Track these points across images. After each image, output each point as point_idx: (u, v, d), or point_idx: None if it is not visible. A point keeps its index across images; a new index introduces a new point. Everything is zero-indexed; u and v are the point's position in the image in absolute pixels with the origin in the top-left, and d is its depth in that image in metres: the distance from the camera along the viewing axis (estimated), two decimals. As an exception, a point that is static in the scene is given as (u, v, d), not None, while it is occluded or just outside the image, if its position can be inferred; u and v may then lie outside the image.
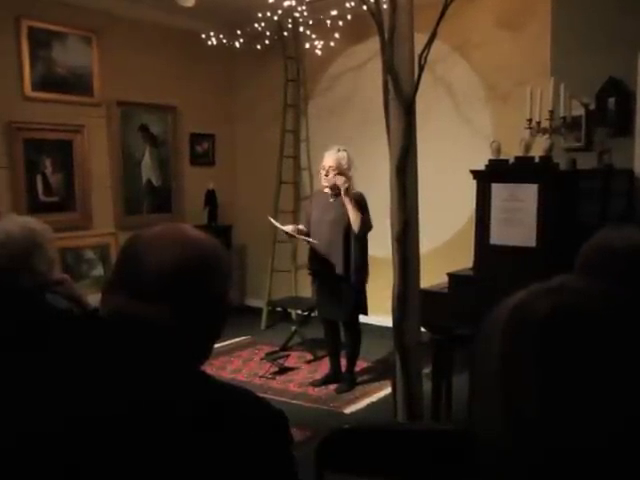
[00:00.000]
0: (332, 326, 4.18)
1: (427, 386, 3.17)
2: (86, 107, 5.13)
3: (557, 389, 0.63)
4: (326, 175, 3.96)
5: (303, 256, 5.90)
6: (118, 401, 0.87)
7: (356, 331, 4.11)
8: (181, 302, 0.95)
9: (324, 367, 4.62)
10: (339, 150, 4.00)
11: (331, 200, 4.01)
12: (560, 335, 0.64)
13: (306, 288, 6.07)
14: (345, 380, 4.17)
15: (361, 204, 3.95)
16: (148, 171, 5.72)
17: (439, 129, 5.13)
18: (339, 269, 3.91)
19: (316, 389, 4.18)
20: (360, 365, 4.37)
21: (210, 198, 5.98)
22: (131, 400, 0.87)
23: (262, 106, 6.25)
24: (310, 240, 3.99)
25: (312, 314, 5.30)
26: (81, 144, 5.14)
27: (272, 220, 4.27)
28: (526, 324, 0.66)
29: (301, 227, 4.13)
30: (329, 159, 3.97)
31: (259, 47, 5.51)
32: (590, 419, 0.60)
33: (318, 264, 4.00)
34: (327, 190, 4.07)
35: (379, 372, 4.45)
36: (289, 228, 4.12)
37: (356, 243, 3.92)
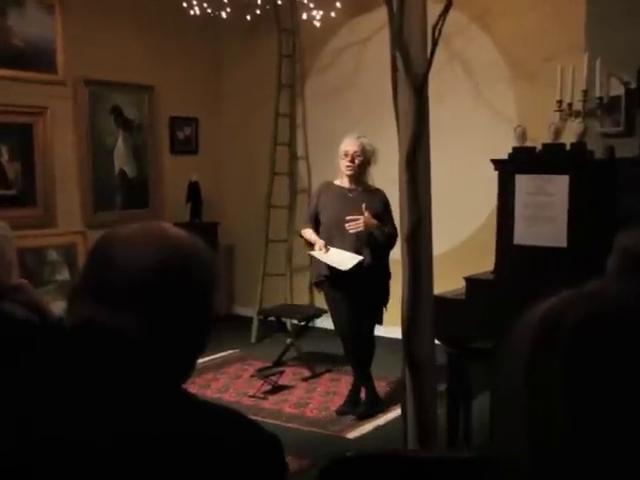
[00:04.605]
0: (354, 339, 4.09)
1: (442, 408, 3.18)
2: (48, 86, 5.13)
3: (589, 406, 0.63)
4: (351, 161, 3.92)
5: (299, 258, 5.93)
6: (87, 424, 0.87)
7: (371, 343, 4.09)
8: (160, 311, 0.95)
9: (323, 385, 4.62)
10: (359, 137, 3.98)
11: (350, 195, 3.97)
12: (594, 347, 0.64)
13: (303, 295, 6.08)
14: (370, 401, 4.13)
15: (387, 207, 3.94)
16: (121, 160, 5.72)
17: (455, 113, 5.13)
18: (367, 259, 3.83)
19: (314, 410, 4.19)
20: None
21: (193, 191, 5.98)
22: (102, 424, 0.87)
23: (252, 86, 6.25)
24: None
25: (310, 324, 5.31)
26: (43, 129, 5.13)
27: (316, 254, 3.91)
28: (555, 334, 0.66)
29: (321, 242, 3.93)
30: (352, 144, 3.92)
31: (249, 18, 5.51)
32: (624, 440, 0.61)
33: (336, 269, 3.86)
34: (338, 182, 4.03)
35: (387, 391, 4.45)
36: (319, 244, 3.90)
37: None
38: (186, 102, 6.18)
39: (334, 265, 3.84)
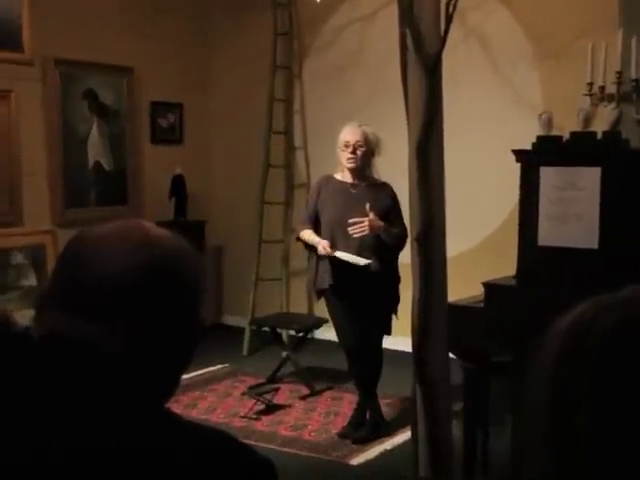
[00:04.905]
0: (359, 352, 4.09)
1: (458, 430, 3.17)
2: (13, 66, 5.12)
3: (619, 423, 0.64)
4: (353, 153, 3.90)
5: (296, 261, 5.92)
6: (54, 449, 0.87)
7: (379, 357, 4.09)
8: (140, 320, 0.95)
9: (324, 404, 4.61)
10: (360, 125, 3.97)
11: (353, 191, 3.95)
12: (626, 356, 0.65)
13: (300, 302, 6.08)
14: (373, 424, 4.12)
15: (396, 204, 3.93)
16: (96, 151, 5.72)
17: (472, 97, 5.13)
18: (375, 265, 3.84)
19: (313, 433, 4.19)
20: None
21: (177, 186, 5.98)
22: (71, 448, 0.87)
23: (244, 67, 6.25)
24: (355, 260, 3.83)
25: (309, 335, 5.30)
26: (7, 114, 5.13)
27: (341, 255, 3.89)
28: (585, 342, 0.68)
29: (325, 242, 3.93)
30: (353, 133, 3.91)
31: (240, -10, 5.53)
32: None
33: (340, 276, 3.89)
34: (339, 176, 4.01)
35: (394, 411, 4.45)
36: (323, 243, 3.89)
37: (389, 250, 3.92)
38: (169, 85, 6.18)
39: (350, 261, 3.83)
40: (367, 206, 3.80)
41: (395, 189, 3.97)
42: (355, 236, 3.81)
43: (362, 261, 3.83)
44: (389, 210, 3.92)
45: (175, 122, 6.33)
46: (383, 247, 3.88)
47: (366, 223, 3.78)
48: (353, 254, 3.87)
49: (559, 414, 0.68)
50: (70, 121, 5.52)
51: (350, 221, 3.80)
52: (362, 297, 3.91)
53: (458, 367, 3.32)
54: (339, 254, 3.88)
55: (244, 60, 6.25)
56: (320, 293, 4.13)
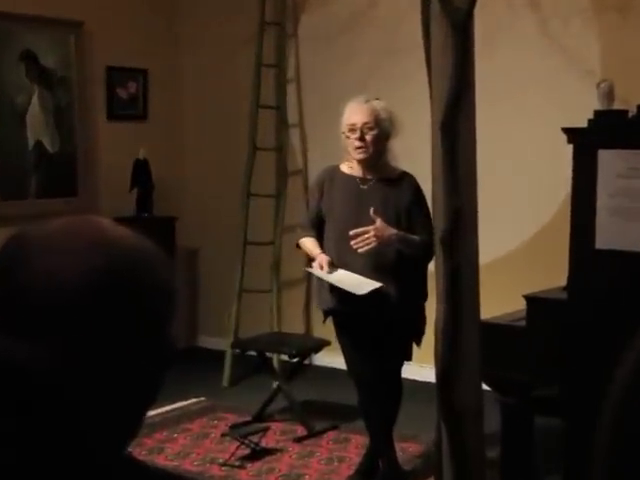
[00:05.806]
0: (374, 384, 4.07)
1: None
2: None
3: None
4: (361, 139, 3.81)
5: (290, 267, 5.92)
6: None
7: (397, 389, 4.09)
8: (94, 342, 0.95)
9: (325, 448, 4.61)
10: (368, 101, 3.88)
11: (363, 187, 3.93)
12: None
13: (296, 319, 6.07)
14: (386, 475, 4.11)
15: (420, 200, 3.85)
16: (37, 128, 5.72)
17: (512, 62, 5.13)
18: (393, 290, 3.79)
19: (312, 485, 4.20)
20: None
21: (140, 174, 5.98)
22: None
23: (225, 25, 6.24)
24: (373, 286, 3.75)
25: (306, 361, 5.29)
26: None
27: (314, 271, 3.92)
28: None
29: (324, 256, 3.89)
30: (360, 112, 3.83)
31: None
32: None
33: (346, 298, 3.82)
34: (346, 168, 3.91)
35: (414, 458, 4.45)
36: (319, 260, 3.86)
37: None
38: (130, 46, 6.17)
39: (344, 288, 3.79)
40: (371, 211, 3.73)
41: (417, 180, 3.91)
42: (360, 251, 3.75)
43: (364, 289, 3.75)
44: (409, 209, 3.86)
45: (138, 93, 6.32)
46: (401, 262, 3.82)
47: (372, 233, 3.69)
48: (361, 272, 3.81)
49: (624, 430, 0.71)
50: (3, 90, 5.52)
51: (351, 233, 3.72)
52: (376, 321, 3.87)
53: (493, 402, 3.32)
54: (333, 278, 3.82)
55: (224, 15, 6.24)
56: (325, 314, 4.12)
